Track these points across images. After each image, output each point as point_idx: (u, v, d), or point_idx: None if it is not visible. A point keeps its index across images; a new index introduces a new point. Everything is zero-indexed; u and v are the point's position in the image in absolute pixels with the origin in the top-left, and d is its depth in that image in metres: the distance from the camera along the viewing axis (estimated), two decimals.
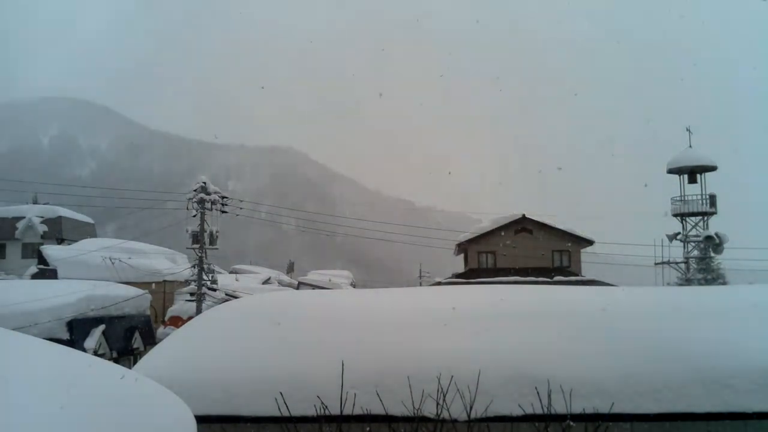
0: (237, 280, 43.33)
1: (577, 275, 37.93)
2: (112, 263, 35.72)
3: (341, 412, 5.04)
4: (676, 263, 34.50)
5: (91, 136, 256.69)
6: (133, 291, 25.08)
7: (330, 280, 52.59)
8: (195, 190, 30.35)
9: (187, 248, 32.37)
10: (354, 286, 55.81)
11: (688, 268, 34.11)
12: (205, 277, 30.24)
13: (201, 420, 4.40)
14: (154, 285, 35.51)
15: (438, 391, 5.10)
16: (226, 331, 6.97)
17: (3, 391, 2.81)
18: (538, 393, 5.20)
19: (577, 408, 5.23)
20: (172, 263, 42.41)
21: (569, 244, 39.92)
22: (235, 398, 5.64)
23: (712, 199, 34.40)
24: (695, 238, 34.26)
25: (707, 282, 31.83)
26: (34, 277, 38.23)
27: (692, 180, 34.83)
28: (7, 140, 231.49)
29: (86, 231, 53.47)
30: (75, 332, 19.51)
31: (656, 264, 34.40)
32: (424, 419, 5.10)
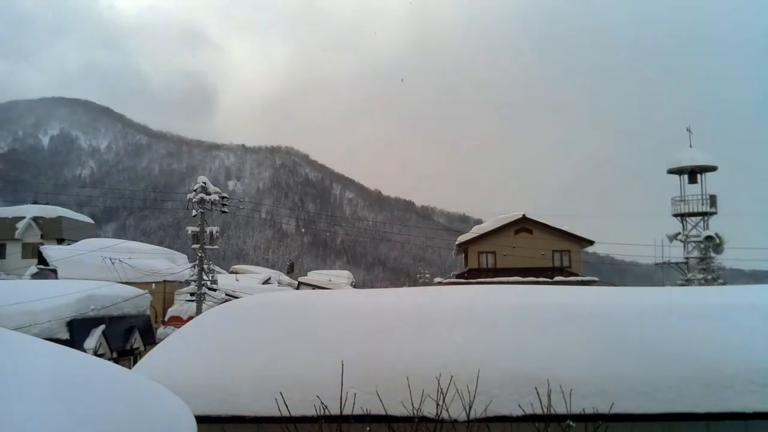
0: (237, 280, 43.33)
1: (577, 275, 37.92)
2: (112, 263, 35.71)
3: (341, 412, 5.04)
4: (677, 263, 34.49)
5: (91, 136, 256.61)
6: (133, 291, 25.06)
7: (330, 280, 52.56)
8: (195, 190, 30.34)
9: (187, 249, 32.36)
10: (354, 286, 55.78)
11: (688, 269, 34.09)
12: (205, 277, 30.24)
13: (201, 420, 4.41)
14: (154, 285, 35.50)
15: (438, 391, 5.10)
16: (226, 331, 6.97)
17: (3, 391, 2.81)
18: (538, 393, 5.20)
19: (577, 408, 5.23)
20: (172, 263, 42.40)
21: (569, 244, 39.91)
22: (235, 398, 5.64)
23: (713, 199, 34.39)
24: (695, 239, 34.25)
25: (707, 282, 31.81)
26: (34, 277, 38.22)
27: (692, 180, 34.82)
28: (7, 140, 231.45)
29: (86, 231, 53.44)
30: (75, 332, 19.49)
31: (656, 264, 34.40)
32: (424, 419, 5.10)
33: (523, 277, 35.21)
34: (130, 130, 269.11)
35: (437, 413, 5.06)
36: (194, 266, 31.08)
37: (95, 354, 19.05)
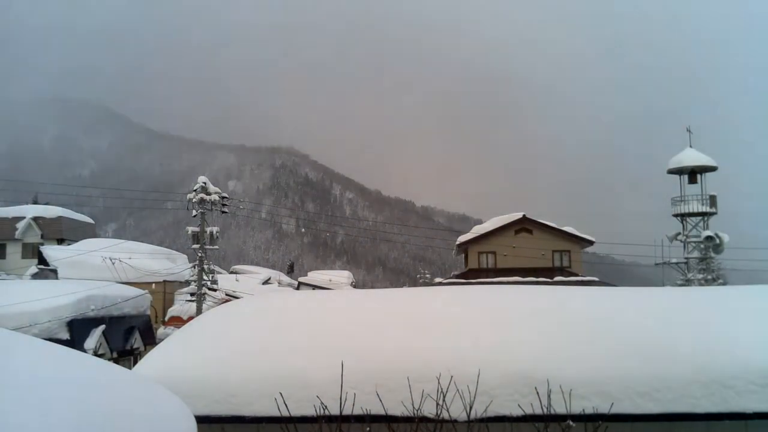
0: (237, 280, 43.33)
1: (577, 275, 37.92)
2: (112, 263, 35.71)
3: (341, 412, 5.04)
4: (677, 263, 34.48)
5: (91, 137, 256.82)
6: (133, 291, 25.08)
7: (330, 280, 52.59)
8: (195, 190, 30.33)
9: (187, 248, 32.35)
10: (354, 286, 55.79)
11: (688, 269, 34.09)
12: (205, 277, 30.24)
13: (201, 420, 4.41)
14: (154, 285, 35.53)
15: (438, 391, 5.10)
16: (226, 331, 6.97)
17: (3, 391, 2.81)
18: (538, 393, 5.20)
19: (577, 408, 5.23)
20: (172, 263, 42.40)
21: (569, 244, 39.90)
22: (235, 398, 5.64)
23: (712, 200, 34.38)
24: (695, 239, 34.24)
25: (707, 282, 31.81)
26: (34, 277, 38.22)
27: (692, 180, 34.81)
28: (8, 140, 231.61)
29: (86, 231, 53.43)
30: (75, 332, 19.50)
31: (656, 264, 34.39)
32: (424, 419, 5.10)
33: (523, 277, 35.20)
34: (130, 130, 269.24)
35: (437, 413, 5.06)
36: (194, 266, 31.08)
37: (95, 354, 19.05)
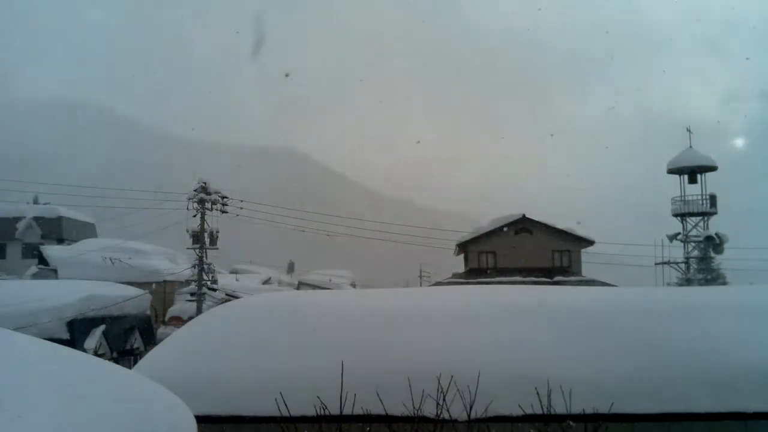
0: (237, 280, 43.34)
1: (577, 275, 37.91)
2: (112, 263, 35.72)
3: (341, 412, 5.04)
4: (677, 263, 34.49)
5: (91, 136, 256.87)
6: (133, 291, 25.09)
7: (330, 280, 52.64)
8: (195, 190, 30.34)
9: (187, 248, 32.37)
10: (354, 286, 55.81)
11: (688, 268, 34.10)
12: (205, 277, 30.24)
13: (201, 420, 4.40)
14: (154, 285, 35.52)
15: (438, 391, 5.10)
16: (226, 331, 6.97)
17: (3, 391, 2.81)
18: (538, 393, 5.20)
19: (577, 408, 5.23)
20: (172, 263, 42.39)
21: (569, 244, 39.89)
22: (235, 398, 5.64)
23: (713, 200, 34.38)
24: (695, 239, 34.25)
25: (707, 282, 31.83)
26: (34, 277, 38.23)
27: (692, 180, 34.81)
28: (7, 140, 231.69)
29: (86, 231, 53.43)
30: (75, 332, 19.52)
31: (656, 264, 34.40)
32: (424, 419, 5.10)
33: (523, 277, 35.20)
34: (131, 130, 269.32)
35: (437, 413, 5.05)
36: (194, 266, 31.08)
37: (95, 354, 19.06)
